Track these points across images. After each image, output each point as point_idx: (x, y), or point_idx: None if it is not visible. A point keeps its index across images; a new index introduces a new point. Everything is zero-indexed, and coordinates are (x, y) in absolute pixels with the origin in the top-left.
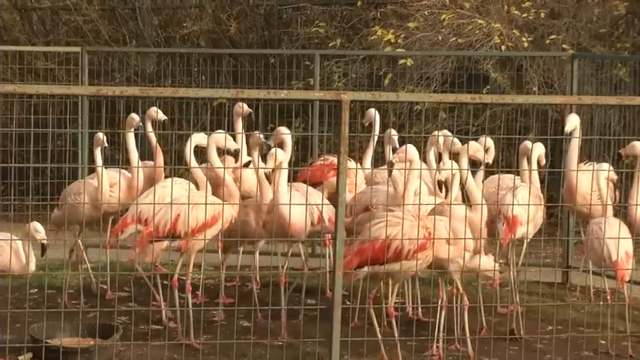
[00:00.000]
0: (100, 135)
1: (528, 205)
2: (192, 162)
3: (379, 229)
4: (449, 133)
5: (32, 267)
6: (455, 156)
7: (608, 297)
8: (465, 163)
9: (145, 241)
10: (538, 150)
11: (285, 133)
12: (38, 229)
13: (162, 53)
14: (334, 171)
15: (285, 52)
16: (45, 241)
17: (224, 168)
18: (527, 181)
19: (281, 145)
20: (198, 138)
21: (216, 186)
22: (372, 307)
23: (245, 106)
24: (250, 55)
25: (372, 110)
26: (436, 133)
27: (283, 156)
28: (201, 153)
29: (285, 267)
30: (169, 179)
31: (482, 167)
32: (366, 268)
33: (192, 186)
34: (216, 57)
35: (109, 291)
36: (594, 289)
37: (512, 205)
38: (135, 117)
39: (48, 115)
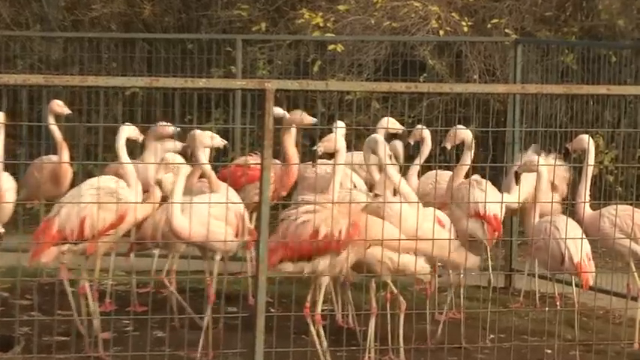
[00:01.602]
0: None
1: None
2: (124, 156)
3: (302, 219)
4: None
5: None
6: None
7: (558, 303)
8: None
9: (47, 245)
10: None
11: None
12: None
13: (69, 38)
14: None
15: (204, 37)
16: None
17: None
18: (460, 175)
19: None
20: (128, 131)
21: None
22: (294, 314)
23: (168, 128)
24: (166, 40)
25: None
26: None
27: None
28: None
29: (215, 273)
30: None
31: (417, 162)
32: (289, 265)
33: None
34: (129, 42)
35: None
36: (540, 294)
37: (484, 202)
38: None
39: None
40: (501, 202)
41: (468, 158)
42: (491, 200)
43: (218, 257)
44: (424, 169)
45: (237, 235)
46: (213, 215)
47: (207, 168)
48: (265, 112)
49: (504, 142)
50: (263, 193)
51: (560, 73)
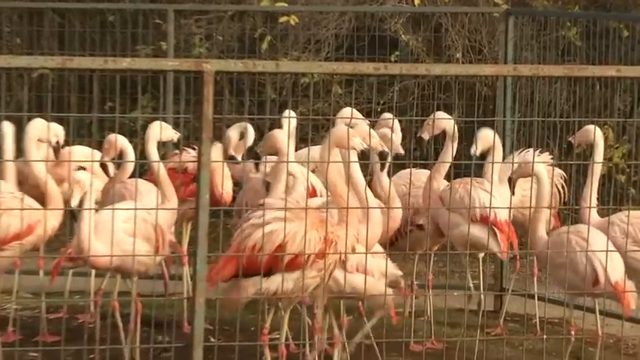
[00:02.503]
0: None
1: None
2: (34, 153)
3: (259, 226)
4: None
5: None
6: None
7: (572, 331)
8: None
9: None
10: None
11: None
12: None
13: None
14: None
15: (128, 7)
16: None
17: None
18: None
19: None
20: (39, 129)
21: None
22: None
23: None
24: (81, 10)
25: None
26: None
27: (88, 179)
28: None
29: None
30: None
31: (389, 160)
32: (246, 282)
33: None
34: (36, 13)
35: None
36: (540, 319)
37: (489, 207)
38: None
39: None
40: (509, 208)
41: (449, 153)
42: (500, 205)
43: (135, 278)
44: (396, 167)
45: (157, 251)
46: (125, 230)
47: (160, 170)
48: (203, 99)
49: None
50: (201, 197)
51: (561, 50)
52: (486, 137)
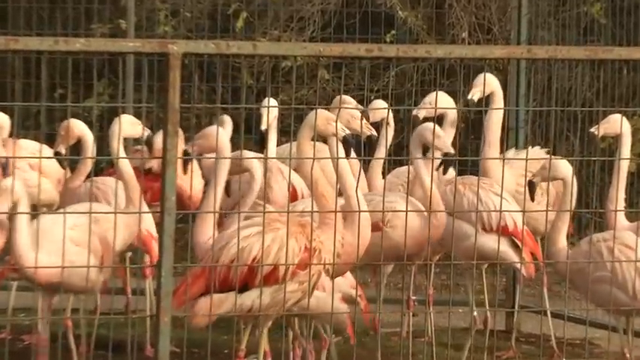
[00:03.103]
0: None
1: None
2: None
3: (235, 238)
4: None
5: None
6: None
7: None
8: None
9: None
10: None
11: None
12: None
13: None
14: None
15: None
16: None
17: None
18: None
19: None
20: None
21: None
22: None
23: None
24: None
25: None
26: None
27: (21, 191)
28: None
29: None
30: None
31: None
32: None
33: None
34: None
35: None
36: (556, 340)
37: (502, 211)
38: None
39: None
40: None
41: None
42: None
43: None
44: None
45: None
46: (72, 239)
47: (126, 167)
48: (169, 85)
49: (504, 127)
50: (166, 200)
51: (583, 29)
52: (489, 83)
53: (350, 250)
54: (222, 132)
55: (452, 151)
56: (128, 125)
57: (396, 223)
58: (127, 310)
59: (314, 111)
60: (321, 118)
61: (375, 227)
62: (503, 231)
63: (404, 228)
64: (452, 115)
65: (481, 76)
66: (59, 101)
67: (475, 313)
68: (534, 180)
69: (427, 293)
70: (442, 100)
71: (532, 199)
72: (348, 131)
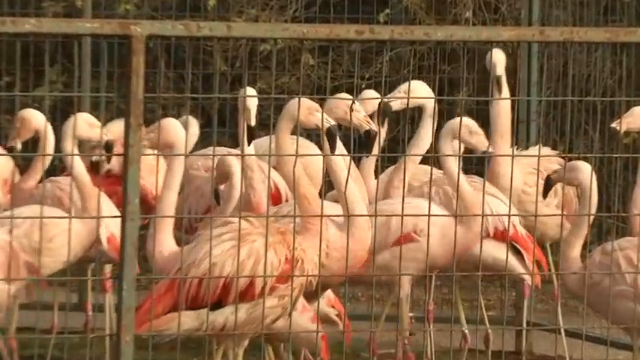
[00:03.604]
0: None
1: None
2: None
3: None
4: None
5: None
6: None
7: None
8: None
9: None
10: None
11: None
12: None
13: None
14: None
15: None
16: None
17: None
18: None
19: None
20: None
21: None
22: None
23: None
24: None
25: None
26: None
27: None
28: None
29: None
30: None
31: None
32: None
33: None
34: None
35: None
36: None
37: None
38: None
39: None
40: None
41: (427, 136)
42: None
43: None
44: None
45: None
46: None
47: (80, 171)
48: (131, 72)
49: (514, 119)
50: (129, 203)
51: (603, 8)
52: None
53: (350, 256)
54: (178, 125)
55: (491, 150)
56: (85, 126)
57: (432, 231)
58: (87, 329)
59: (294, 99)
60: (303, 107)
61: (407, 238)
62: (502, 236)
63: (439, 236)
64: (431, 106)
65: None
66: (5, 90)
67: (466, 330)
68: (553, 177)
69: (426, 309)
70: (418, 89)
71: (544, 197)
72: (333, 122)
